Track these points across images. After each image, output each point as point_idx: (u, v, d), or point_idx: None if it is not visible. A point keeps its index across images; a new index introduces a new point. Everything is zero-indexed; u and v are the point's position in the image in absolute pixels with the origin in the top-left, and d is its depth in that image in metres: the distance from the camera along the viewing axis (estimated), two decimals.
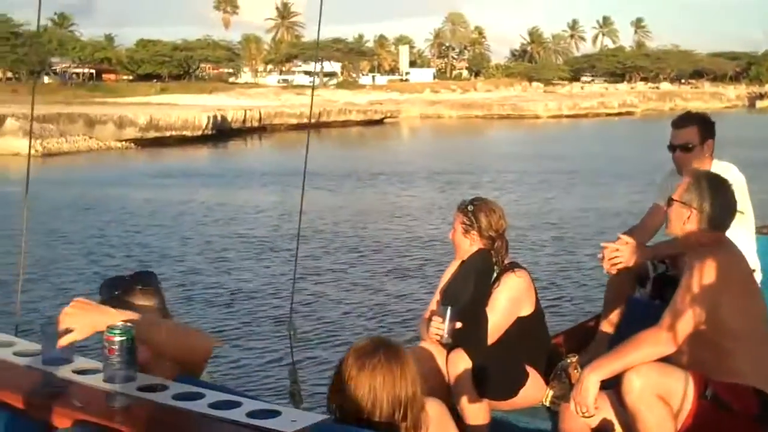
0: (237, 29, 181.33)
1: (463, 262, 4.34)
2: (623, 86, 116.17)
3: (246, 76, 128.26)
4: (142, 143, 49.50)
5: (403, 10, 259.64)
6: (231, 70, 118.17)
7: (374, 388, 2.76)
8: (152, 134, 51.01)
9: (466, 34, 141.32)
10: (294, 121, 66.79)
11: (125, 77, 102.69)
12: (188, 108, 60.31)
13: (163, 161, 41.13)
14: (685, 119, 4.79)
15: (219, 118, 57.00)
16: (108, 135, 49.10)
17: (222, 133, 55.88)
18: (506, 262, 4.33)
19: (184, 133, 52.72)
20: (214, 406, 2.37)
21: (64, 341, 2.54)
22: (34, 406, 2.50)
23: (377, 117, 77.62)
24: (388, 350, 2.84)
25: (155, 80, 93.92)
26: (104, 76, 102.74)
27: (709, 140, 4.71)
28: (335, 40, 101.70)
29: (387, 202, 25.29)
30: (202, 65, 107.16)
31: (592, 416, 3.41)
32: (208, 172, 35.02)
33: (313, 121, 67.23)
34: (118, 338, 2.43)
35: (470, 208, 4.31)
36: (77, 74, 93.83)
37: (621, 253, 4.42)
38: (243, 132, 60.15)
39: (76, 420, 2.40)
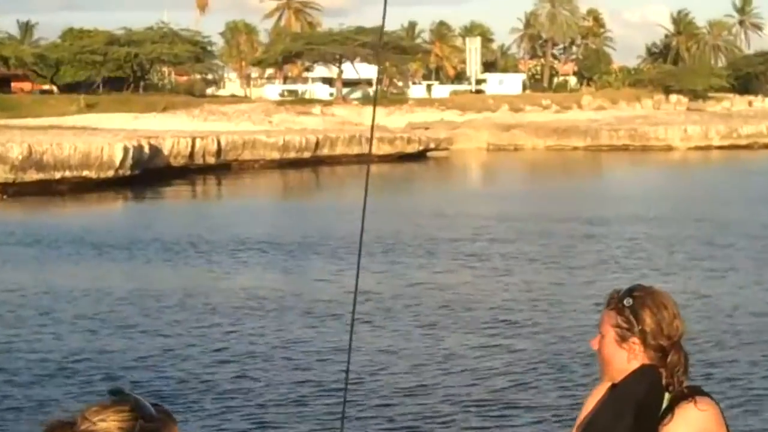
0: (219, 14, 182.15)
1: (614, 385, 4.37)
2: None
3: (233, 85, 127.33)
4: (12, 191, 47.26)
5: None
6: (208, 76, 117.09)
7: None
8: (31, 176, 48.71)
9: (574, 20, 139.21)
10: (276, 155, 64.67)
11: (48, 87, 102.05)
12: (108, 133, 58.36)
13: (36, 220, 39.99)
14: None
15: (146, 150, 54.73)
16: None
17: (149, 173, 54.08)
18: (684, 385, 4.29)
19: (85, 173, 50.46)
20: None
21: None
22: None
23: (411, 150, 74.63)
24: None
25: (84, 92, 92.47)
26: (14, 85, 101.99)
27: None
28: (359, 29, 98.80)
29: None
30: (159, 68, 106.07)
31: None
32: (105, 241, 33.38)
33: (307, 155, 65.55)
34: None
35: (627, 302, 4.30)
36: None
37: None
38: (189, 172, 58.88)
39: None
